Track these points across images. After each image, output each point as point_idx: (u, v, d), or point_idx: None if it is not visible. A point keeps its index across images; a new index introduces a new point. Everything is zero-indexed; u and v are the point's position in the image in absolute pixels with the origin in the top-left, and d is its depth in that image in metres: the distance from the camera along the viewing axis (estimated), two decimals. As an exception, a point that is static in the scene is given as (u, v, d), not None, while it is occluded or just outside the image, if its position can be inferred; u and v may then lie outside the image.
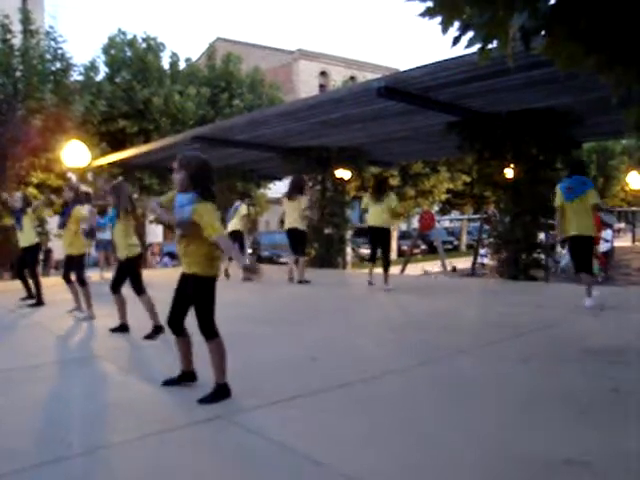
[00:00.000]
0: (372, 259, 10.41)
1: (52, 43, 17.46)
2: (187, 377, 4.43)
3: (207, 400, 3.99)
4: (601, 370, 4.71)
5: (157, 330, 6.26)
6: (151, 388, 4.54)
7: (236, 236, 11.88)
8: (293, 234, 11.00)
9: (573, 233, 7.59)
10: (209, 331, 4.04)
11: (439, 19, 2.52)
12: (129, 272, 6.60)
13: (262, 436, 3.43)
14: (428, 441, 3.34)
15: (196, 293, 4.10)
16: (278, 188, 25.12)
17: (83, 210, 7.99)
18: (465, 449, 3.21)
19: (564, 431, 3.43)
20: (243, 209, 12.16)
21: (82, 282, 7.85)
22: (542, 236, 11.22)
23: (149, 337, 6.25)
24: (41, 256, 16.71)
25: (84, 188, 10.48)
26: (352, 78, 35.62)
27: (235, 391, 4.15)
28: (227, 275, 11.92)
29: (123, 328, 6.68)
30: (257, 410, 3.88)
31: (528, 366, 4.90)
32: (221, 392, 4.06)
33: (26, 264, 9.37)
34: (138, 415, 3.90)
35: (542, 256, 11.14)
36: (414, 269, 22.41)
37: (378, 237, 9.89)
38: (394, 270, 19.79)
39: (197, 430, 3.56)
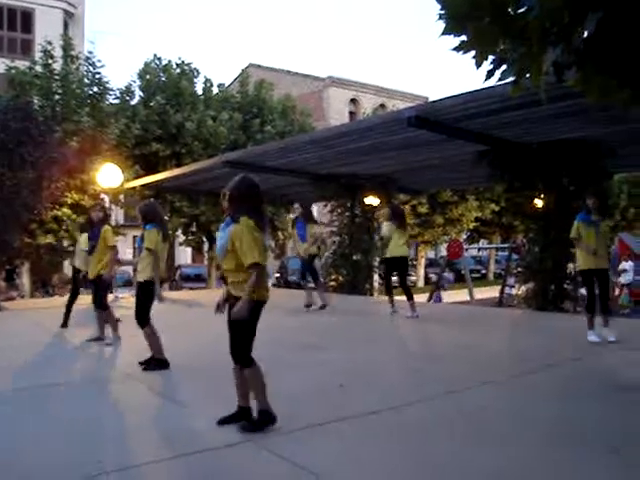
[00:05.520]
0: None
1: (90, 68, 17.98)
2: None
3: (248, 428, 3.88)
4: (631, 406, 4.63)
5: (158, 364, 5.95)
6: (184, 410, 4.59)
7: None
8: (303, 261, 11.15)
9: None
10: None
11: (473, 53, 2.57)
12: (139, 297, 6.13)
13: (291, 462, 3.44)
14: (458, 474, 3.32)
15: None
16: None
17: (111, 233, 7.70)
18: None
19: (592, 469, 3.38)
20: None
21: (103, 306, 7.63)
22: (571, 267, 11.09)
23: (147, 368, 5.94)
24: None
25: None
26: (382, 106, 35.82)
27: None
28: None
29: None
30: (287, 435, 3.88)
31: (555, 399, 4.84)
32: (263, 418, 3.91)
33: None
34: (170, 436, 3.95)
35: (571, 287, 11.01)
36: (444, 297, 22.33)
37: (396, 266, 10.04)
38: (421, 299, 19.75)
39: (227, 454, 3.59)
